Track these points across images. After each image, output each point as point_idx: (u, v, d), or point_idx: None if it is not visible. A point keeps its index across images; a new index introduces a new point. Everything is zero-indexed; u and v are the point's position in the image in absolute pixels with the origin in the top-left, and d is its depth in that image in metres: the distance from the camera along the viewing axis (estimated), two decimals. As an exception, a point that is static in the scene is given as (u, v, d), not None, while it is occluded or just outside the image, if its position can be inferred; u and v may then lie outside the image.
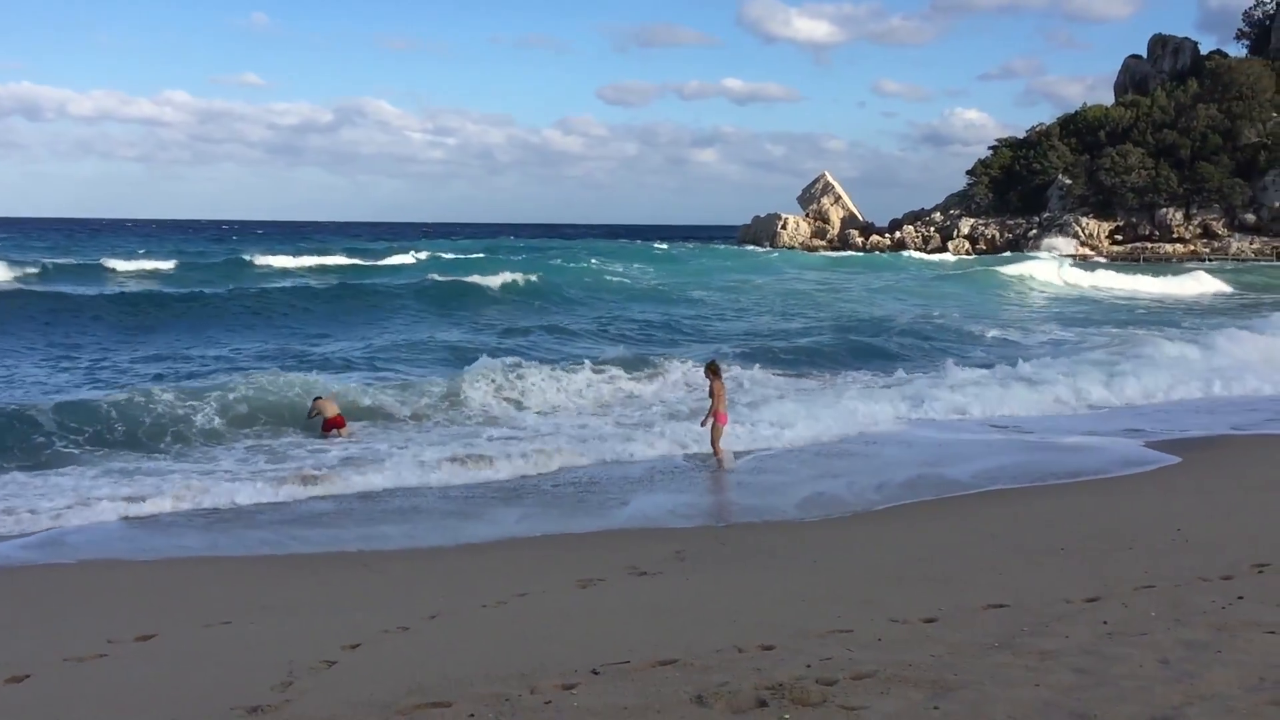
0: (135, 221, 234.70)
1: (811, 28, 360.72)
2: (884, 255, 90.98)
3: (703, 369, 16.78)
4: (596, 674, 6.51)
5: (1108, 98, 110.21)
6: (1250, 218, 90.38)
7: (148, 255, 70.07)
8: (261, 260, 66.53)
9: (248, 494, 13.22)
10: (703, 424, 15.80)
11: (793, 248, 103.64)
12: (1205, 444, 16.24)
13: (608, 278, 56.92)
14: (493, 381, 20.46)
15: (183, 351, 27.38)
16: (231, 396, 18.13)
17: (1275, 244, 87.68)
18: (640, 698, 6.06)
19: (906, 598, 8.15)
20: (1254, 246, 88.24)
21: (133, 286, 46.48)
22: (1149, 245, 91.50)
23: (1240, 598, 7.51)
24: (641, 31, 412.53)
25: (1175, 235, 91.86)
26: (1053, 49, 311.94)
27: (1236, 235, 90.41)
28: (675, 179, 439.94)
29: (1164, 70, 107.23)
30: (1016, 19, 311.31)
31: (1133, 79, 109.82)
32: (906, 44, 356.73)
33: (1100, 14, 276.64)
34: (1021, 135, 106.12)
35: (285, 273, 59.74)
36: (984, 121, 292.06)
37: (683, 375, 22.71)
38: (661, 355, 24.91)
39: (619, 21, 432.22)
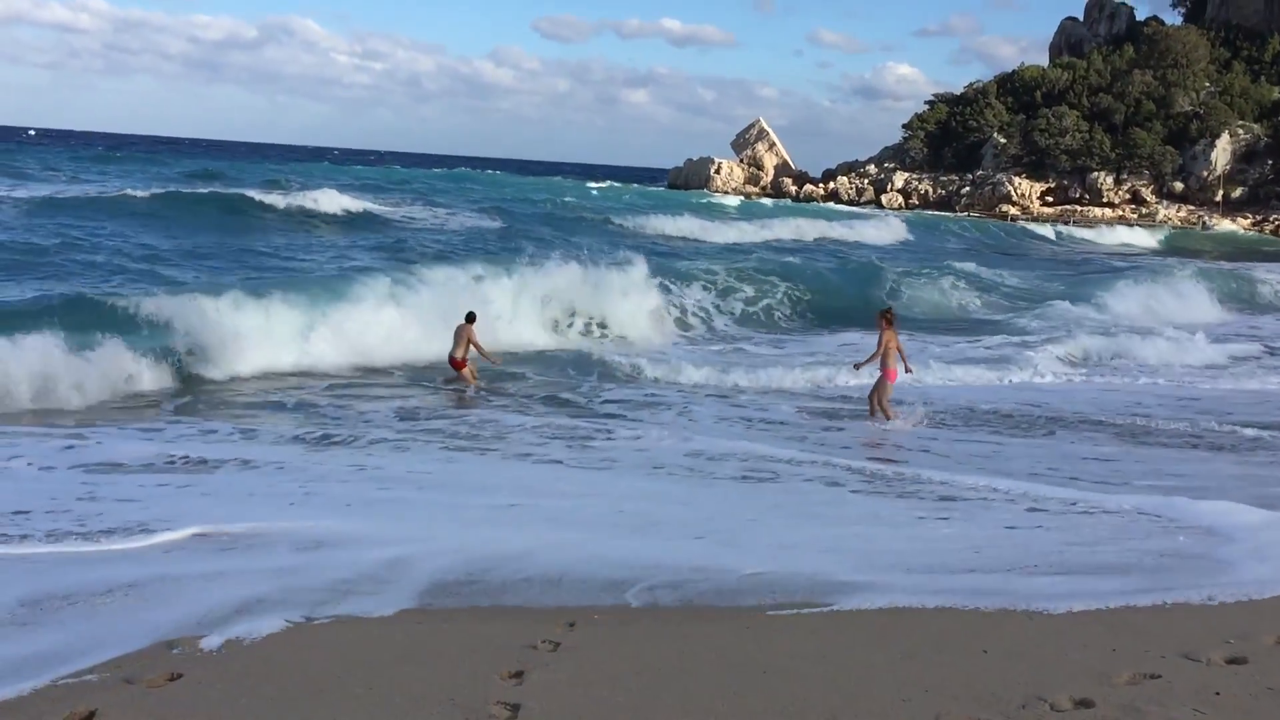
0: (40, 131, 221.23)
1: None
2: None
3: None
4: None
5: (1041, 60, 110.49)
6: (1178, 186, 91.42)
7: None
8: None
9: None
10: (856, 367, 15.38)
11: (726, 193, 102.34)
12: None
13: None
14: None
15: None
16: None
17: (1200, 213, 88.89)
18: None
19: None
20: (1180, 215, 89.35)
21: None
22: (1079, 208, 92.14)
23: (1217, 693, 6.06)
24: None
25: (1105, 200, 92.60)
26: (990, 8, 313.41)
27: (1164, 203, 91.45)
28: (604, 118, 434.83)
29: (1100, 34, 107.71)
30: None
31: (1068, 42, 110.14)
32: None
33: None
34: (957, 92, 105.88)
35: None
36: (916, 77, 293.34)
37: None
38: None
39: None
